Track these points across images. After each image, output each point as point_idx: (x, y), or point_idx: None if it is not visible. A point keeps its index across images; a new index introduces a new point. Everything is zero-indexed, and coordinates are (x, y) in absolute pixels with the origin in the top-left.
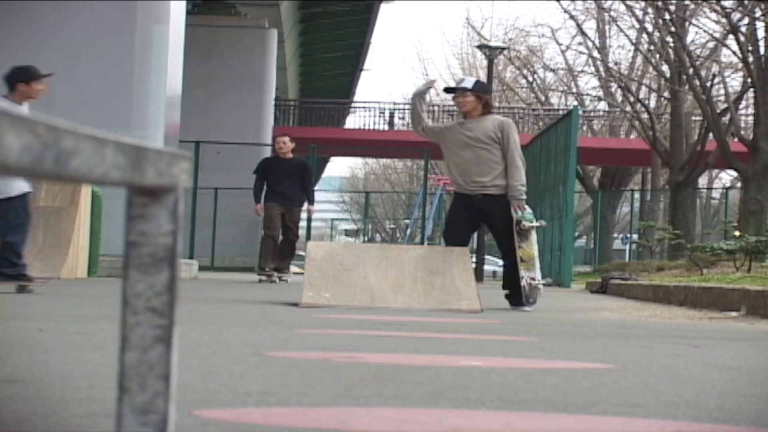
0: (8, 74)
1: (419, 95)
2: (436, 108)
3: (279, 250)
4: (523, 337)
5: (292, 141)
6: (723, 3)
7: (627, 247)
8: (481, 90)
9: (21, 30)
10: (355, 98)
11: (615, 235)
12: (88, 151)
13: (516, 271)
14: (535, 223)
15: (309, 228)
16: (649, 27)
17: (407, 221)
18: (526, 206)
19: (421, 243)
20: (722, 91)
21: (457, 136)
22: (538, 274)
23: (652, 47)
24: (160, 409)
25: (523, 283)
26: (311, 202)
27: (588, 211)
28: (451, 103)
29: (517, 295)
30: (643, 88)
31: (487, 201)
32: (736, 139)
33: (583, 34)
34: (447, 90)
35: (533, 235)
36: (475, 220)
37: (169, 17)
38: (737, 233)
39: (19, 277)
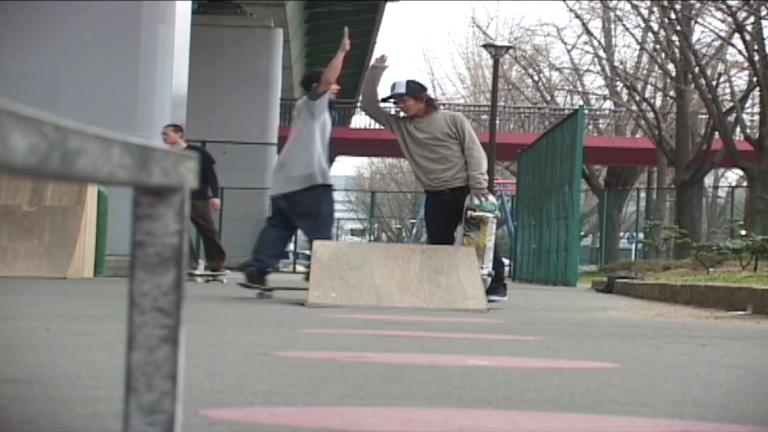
0: None
1: (378, 69)
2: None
3: (205, 251)
4: (530, 336)
5: (177, 130)
6: (728, 2)
7: (633, 246)
8: (416, 90)
9: (27, 30)
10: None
11: (621, 234)
12: (95, 151)
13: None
14: (488, 215)
15: None
16: (655, 26)
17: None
18: (490, 197)
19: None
20: (728, 90)
21: (413, 134)
22: (486, 266)
23: (657, 46)
24: (166, 409)
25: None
26: (215, 194)
27: (594, 210)
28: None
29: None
30: (649, 87)
31: (455, 193)
32: (742, 138)
33: (589, 33)
34: (384, 99)
35: (489, 226)
36: (451, 215)
37: (174, 17)
38: (743, 232)
39: None
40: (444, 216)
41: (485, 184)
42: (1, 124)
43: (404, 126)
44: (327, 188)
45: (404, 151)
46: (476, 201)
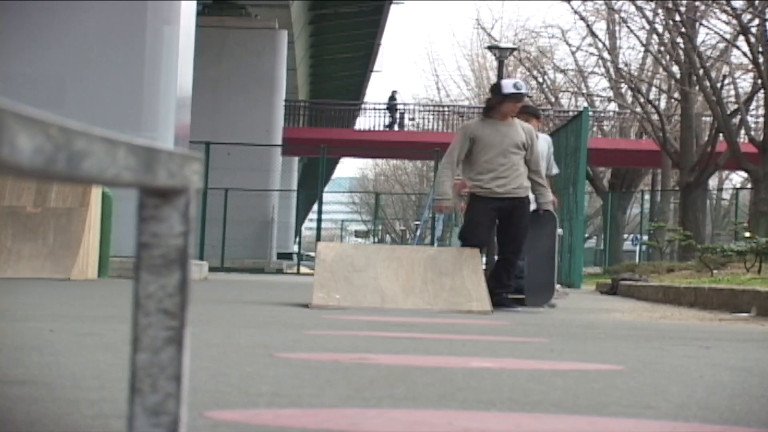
0: None
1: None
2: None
3: None
4: (534, 338)
5: None
6: (733, 4)
7: (637, 248)
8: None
9: (31, 31)
10: (365, 99)
11: (625, 236)
12: (100, 153)
13: (511, 270)
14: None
15: (319, 229)
16: (660, 28)
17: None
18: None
19: (432, 244)
20: (732, 92)
21: (495, 138)
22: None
23: (662, 48)
24: (171, 410)
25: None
26: None
27: (598, 212)
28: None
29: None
30: (654, 89)
31: (513, 202)
32: (746, 140)
33: (594, 35)
34: (513, 95)
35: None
36: (494, 223)
37: (179, 18)
38: (747, 234)
39: None
40: (492, 221)
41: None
42: (7, 125)
43: (480, 129)
44: None
45: (459, 153)
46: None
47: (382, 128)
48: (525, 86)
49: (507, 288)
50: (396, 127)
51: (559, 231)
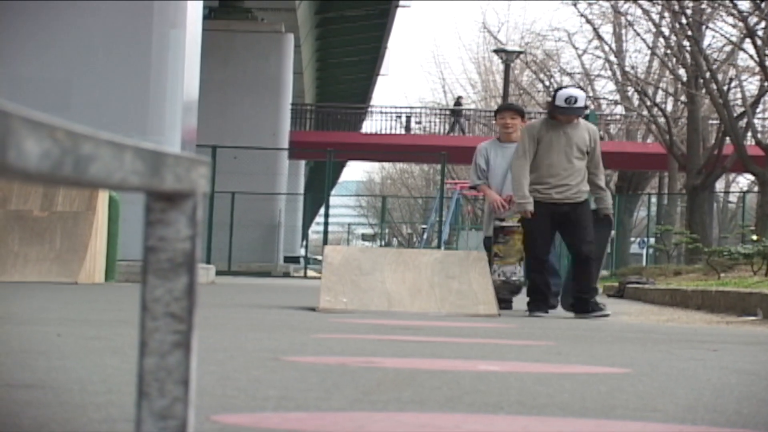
0: None
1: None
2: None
3: None
4: (541, 341)
5: None
6: (740, 6)
7: (644, 251)
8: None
9: (38, 35)
10: (372, 103)
11: (632, 239)
12: (107, 157)
13: (589, 269)
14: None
15: (326, 232)
16: (666, 31)
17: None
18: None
19: (438, 247)
20: (739, 95)
21: (558, 140)
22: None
23: (668, 51)
24: (179, 414)
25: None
26: None
27: None
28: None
29: (589, 302)
30: (660, 92)
31: (570, 206)
32: (753, 143)
33: (600, 38)
34: (562, 110)
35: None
36: (554, 229)
37: (185, 22)
38: (754, 237)
39: None
40: (552, 229)
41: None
42: (14, 129)
43: (544, 130)
44: None
45: (530, 154)
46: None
47: (389, 131)
48: (583, 99)
49: (590, 293)
50: (458, 132)
51: (612, 233)
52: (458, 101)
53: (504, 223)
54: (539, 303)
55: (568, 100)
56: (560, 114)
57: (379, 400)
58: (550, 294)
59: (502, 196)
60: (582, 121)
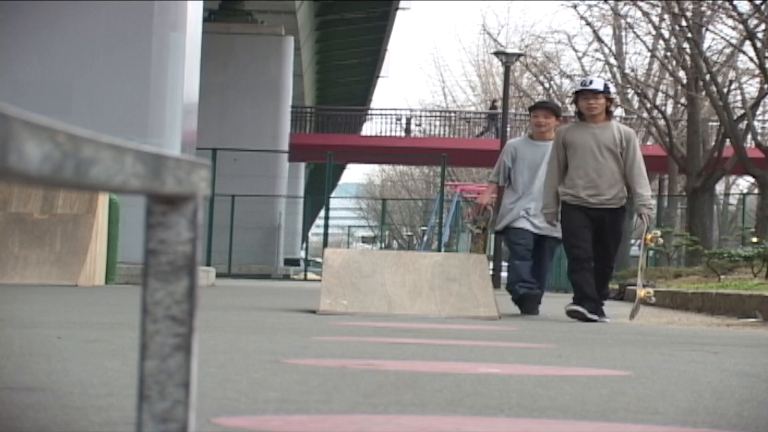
0: None
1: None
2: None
3: None
4: (541, 344)
5: None
6: (739, 9)
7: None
8: (609, 92)
9: (38, 37)
10: (372, 105)
11: (632, 241)
12: (108, 160)
13: (606, 281)
14: (660, 239)
15: (326, 235)
16: (666, 33)
17: (424, 228)
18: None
19: (438, 250)
20: (739, 97)
21: (586, 141)
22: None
23: (668, 53)
24: (179, 417)
25: (643, 293)
26: None
27: None
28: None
29: (600, 305)
30: (660, 95)
31: (605, 212)
32: (753, 145)
33: (600, 40)
34: (577, 92)
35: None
36: (592, 229)
37: (185, 24)
38: (755, 239)
39: None
40: (589, 227)
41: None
42: (15, 132)
43: (572, 132)
44: None
45: (558, 160)
46: (646, 224)
47: (389, 134)
48: (600, 82)
49: (594, 299)
50: (492, 136)
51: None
52: (493, 104)
53: (659, 240)
54: (586, 304)
55: (584, 82)
56: (580, 100)
57: (380, 403)
58: (593, 294)
59: (521, 196)
60: (615, 122)
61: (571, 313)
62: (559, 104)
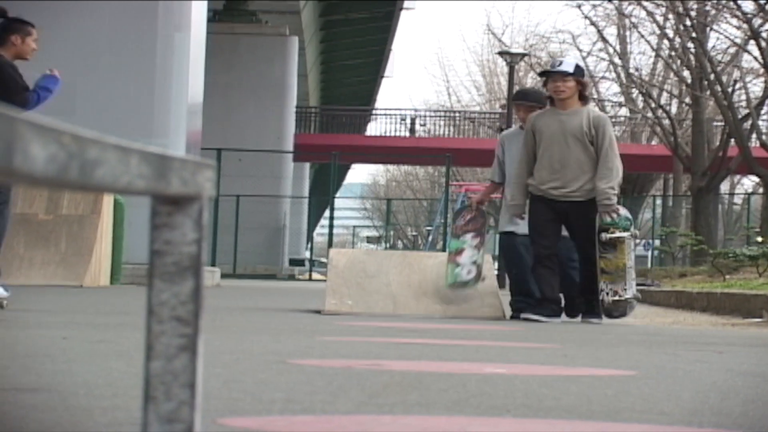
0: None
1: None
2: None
3: None
4: (546, 344)
5: None
6: (744, 8)
7: (649, 253)
8: (582, 75)
9: (42, 38)
10: (377, 105)
11: (637, 241)
12: (113, 161)
13: (592, 281)
14: (624, 234)
15: (331, 235)
16: (670, 33)
17: (429, 228)
18: (622, 211)
19: (443, 250)
20: (743, 97)
21: (553, 128)
22: (630, 287)
23: (673, 53)
24: (185, 417)
25: (602, 296)
26: None
27: None
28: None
29: (589, 305)
30: (665, 94)
31: (568, 205)
32: (757, 145)
33: (604, 40)
34: (542, 74)
35: (627, 244)
36: (558, 222)
37: (190, 25)
38: (759, 239)
39: None
40: (555, 221)
41: (614, 200)
42: (20, 134)
43: (540, 118)
44: None
45: (528, 148)
46: (607, 219)
47: (393, 134)
48: (570, 64)
49: (555, 300)
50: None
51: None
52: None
53: (611, 235)
54: (544, 308)
55: (552, 63)
56: (549, 83)
57: (385, 403)
58: (553, 295)
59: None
60: (588, 108)
61: (525, 319)
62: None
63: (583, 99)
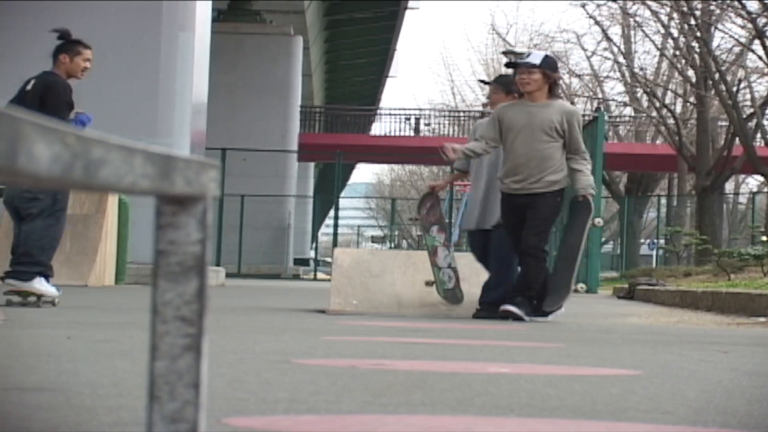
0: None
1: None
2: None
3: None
4: (551, 343)
5: None
6: (748, 8)
7: (654, 252)
8: (551, 67)
9: (46, 38)
10: (381, 105)
11: (642, 240)
12: (118, 161)
13: (528, 271)
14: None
15: (335, 234)
16: (675, 32)
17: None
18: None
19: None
20: (748, 96)
21: (521, 120)
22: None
23: (677, 52)
24: (190, 417)
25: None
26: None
27: (614, 216)
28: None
29: (528, 301)
30: (669, 94)
31: (527, 197)
32: (762, 144)
33: (609, 39)
34: (509, 65)
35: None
36: (516, 216)
37: (194, 25)
38: (764, 238)
39: None
40: (515, 217)
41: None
42: (25, 134)
43: (507, 109)
44: None
45: (486, 132)
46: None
47: (398, 134)
48: (539, 55)
49: (523, 292)
50: None
51: (598, 221)
52: None
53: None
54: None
55: (521, 55)
56: (517, 75)
57: (390, 403)
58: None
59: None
60: (559, 102)
61: (504, 311)
62: (568, 103)
63: (552, 93)
